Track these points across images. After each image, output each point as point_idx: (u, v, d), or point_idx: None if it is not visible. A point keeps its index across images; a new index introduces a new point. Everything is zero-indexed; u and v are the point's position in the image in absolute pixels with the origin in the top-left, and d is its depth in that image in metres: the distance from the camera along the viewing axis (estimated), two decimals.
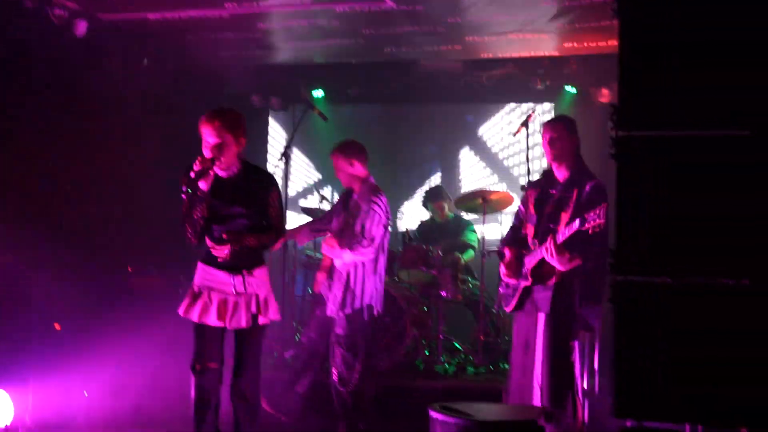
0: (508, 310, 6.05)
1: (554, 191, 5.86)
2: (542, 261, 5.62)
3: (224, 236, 5.20)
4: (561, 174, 5.88)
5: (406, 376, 7.79)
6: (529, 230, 5.94)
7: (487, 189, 8.81)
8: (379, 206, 6.47)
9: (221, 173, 5.26)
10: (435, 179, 11.16)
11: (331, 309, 6.47)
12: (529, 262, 5.77)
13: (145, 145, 8.61)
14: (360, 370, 6.51)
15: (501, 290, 6.15)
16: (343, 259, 6.43)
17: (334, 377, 6.55)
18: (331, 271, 6.58)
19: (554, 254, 5.42)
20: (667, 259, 4.00)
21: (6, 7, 7.11)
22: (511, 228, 6.21)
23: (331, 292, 6.53)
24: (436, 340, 8.13)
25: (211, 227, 5.27)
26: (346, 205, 6.64)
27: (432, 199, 9.34)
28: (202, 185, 5.09)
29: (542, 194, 5.93)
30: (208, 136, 5.16)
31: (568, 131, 5.89)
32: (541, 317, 5.70)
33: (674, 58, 3.98)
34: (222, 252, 5.21)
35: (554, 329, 5.64)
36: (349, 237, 6.40)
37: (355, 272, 6.47)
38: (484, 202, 8.46)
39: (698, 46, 3.95)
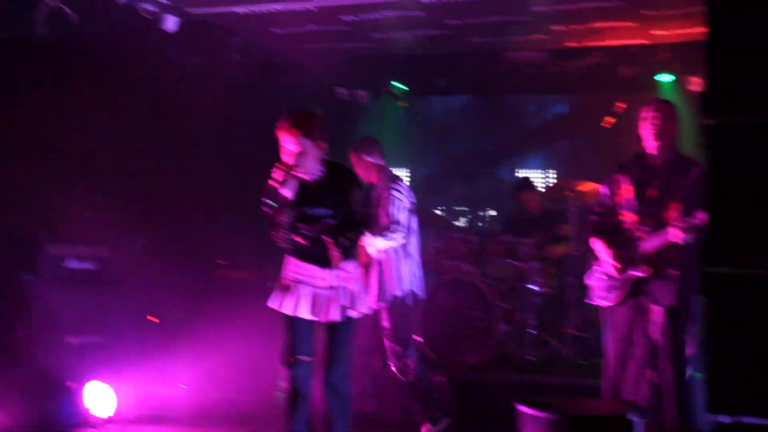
0: (610, 303, 5.74)
1: (654, 176, 5.64)
2: (662, 251, 5.43)
3: (323, 238, 5.25)
4: (658, 158, 5.65)
5: (495, 370, 7.77)
6: (629, 217, 5.68)
7: (575, 180, 8.70)
8: (399, 191, 6.55)
9: (304, 176, 5.27)
10: (521, 170, 11.07)
11: (372, 303, 6.45)
12: (645, 248, 5.52)
13: (235, 140, 8.73)
14: (414, 358, 6.53)
15: (590, 282, 5.89)
16: (377, 247, 6.46)
17: (393, 370, 6.58)
18: (367, 266, 6.59)
19: (680, 235, 5.28)
20: (761, 251, 3.91)
21: (97, 4, 7.28)
22: (597, 216, 5.91)
23: (369, 286, 6.54)
24: (526, 334, 8.08)
25: (298, 228, 5.31)
26: (370, 198, 6.67)
27: (521, 189, 9.28)
28: (286, 193, 5.13)
29: (639, 179, 5.68)
30: (287, 144, 5.19)
31: (672, 115, 5.69)
32: (658, 310, 5.51)
33: (763, 43, 3.89)
34: (337, 261, 5.27)
35: (677, 323, 5.48)
36: (377, 226, 6.45)
37: (387, 261, 6.54)
38: (572, 194, 8.37)
39: None
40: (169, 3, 7.52)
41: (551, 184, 9.04)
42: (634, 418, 4.54)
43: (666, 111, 5.68)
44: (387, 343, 6.57)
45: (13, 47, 7.68)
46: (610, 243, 5.73)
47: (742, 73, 3.99)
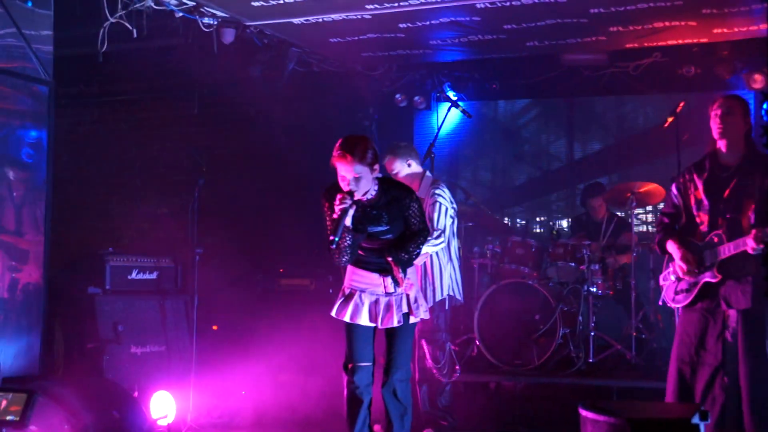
0: (680, 305, 5.66)
1: (727, 176, 5.48)
2: (737, 255, 5.28)
3: (389, 259, 5.32)
4: (730, 157, 5.50)
5: (558, 374, 7.72)
6: (702, 218, 5.54)
7: (636, 182, 8.60)
8: (443, 196, 6.62)
9: (362, 198, 5.29)
10: (582, 174, 10.96)
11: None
12: (719, 255, 5.37)
13: (294, 149, 8.80)
14: (453, 360, 6.57)
15: (662, 282, 5.82)
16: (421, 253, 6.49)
17: (435, 372, 6.61)
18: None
19: (760, 247, 5.09)
20: None
21: (158, 18, 7.41)
22: (667, 217, 5.78)
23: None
24: (588, 337, 8.02)
25: (358, 245, 5.37)
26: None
27: (590, 194, 9.19)
28: (347, 221, 5.18)
29: (712, 179, 5.53)
30: (344, 172, 5.20)
31: (742, 110, 5.50)
32: (733, 314, 5.38)
33: None
34: (402, 284, 5.35)
35: (753, 327, 5.35)
36: None
37: (431, 265, 6.62)
38: (632, 196, 8.28)
39: None
40: (227, 15, 7.62)
41: (611, 187, 8.91)
42: (699, 422, 4.48)
43: (732, 106, 5.50)
44: (427, 346, 6.64)
45: (77, 64, 7.85)
46: (682, 244, 5.59)
47: None
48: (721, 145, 5.52)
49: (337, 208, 5.10)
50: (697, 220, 5.58)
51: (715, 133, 5.52)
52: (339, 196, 5.13)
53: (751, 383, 5.31)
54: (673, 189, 5.79)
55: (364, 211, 5.29)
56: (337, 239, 5.07)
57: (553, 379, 7.53)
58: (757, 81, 8.62)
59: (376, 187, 5.32)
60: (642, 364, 7.89)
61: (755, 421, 5.30)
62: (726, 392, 5.39)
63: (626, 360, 8.01)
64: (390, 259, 5.31)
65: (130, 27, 6.98)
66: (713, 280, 5.41)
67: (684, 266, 5.51)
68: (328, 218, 5.24)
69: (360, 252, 5.39)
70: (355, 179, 5.18)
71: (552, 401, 7.17)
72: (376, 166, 5.29)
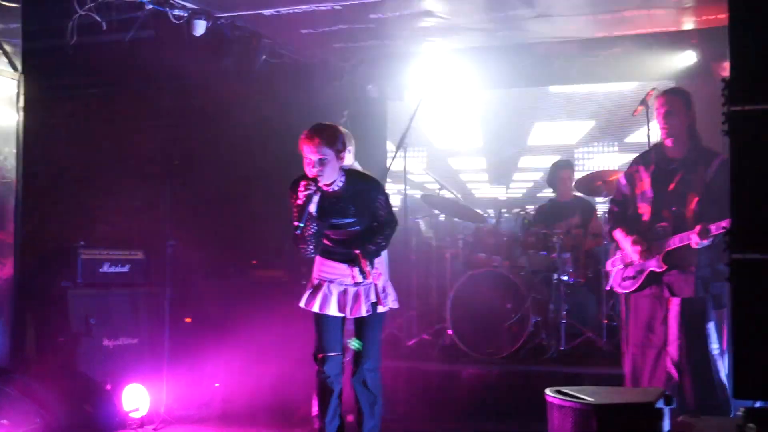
0: (624, 291, 5.92)
1: (672, 168, 5.68)
2: (681, 247, 5.49)
3: (356, 252, 5.32)
4: (676, 150, 5.70)
5: (529, 362, 7.77)
6: (645, 209, 5.78)
7: (606, 170, 8.65)
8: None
9: (327, 189, 5.32)
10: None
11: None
12: (664, 247, 5.59)
13: (266, 141, 8.79)
14: None
15: (610, 268, 6.05)
16: None
17: None
18: None
19: (703, 242, 5.35)
20: None
21: (128, 10, 7.37)
22: (617, 206, 5.99)
23: None
24: (559, 325, 8.07)
25: (326, 235, 5.38)
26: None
27: (561, 166, 9.16)
28: (312, 209, 5.20)
29: (658, 171, 5.74)
30: (310, 154, 5.24)
31: (684, 105, 5.69)
32: (675, 301, 5.61)
33: None
34: (369, 276, 5.35)
35: (696, 313, 5.57)
36: None
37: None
38: (603, 184, 8.33)
39: None
40: (197, 7, 7.59)
41: (581, 176, 8.94)
42: (663, 407, 4.54)
43: (674, 103, 5.70)
44: None
45: (47, 57, 7.80)
46: (630, 231, 5.80)
47: (766, 59, 3.97)
48: (668, 142, 5.71)
49: (301, 195, 5.11)
50: (640, 210, 5.79)
51: (661, 133, 5.72)
52: (303, 183, 5.15)
53: (692, 364, 5.56)
54: (622, 179, 5.99)
55: (331, 203, 5.31)
56: (301, 225, 5.09)
57: (525, 367, 7.57)
58: (725, 69, 8.67)
59: (342, 179, 5.35)
60: (613, 351, 7.95)
61: (696, 399, 5.53)
62: (669, 373, 5.62)
63: (597, 347, 8.07)
64: (358, 251, 5.32)
65: (99, 19, 6.95)
66: (658, 270, 5.63)
67: (638, 248, 5.70)
68: (294, 209, 5.26)
69: (328, 243, 5.41)
70: (320, 161, 5.21)
71: (524, 389, 7.21)
72: (343, 155, 5.32)
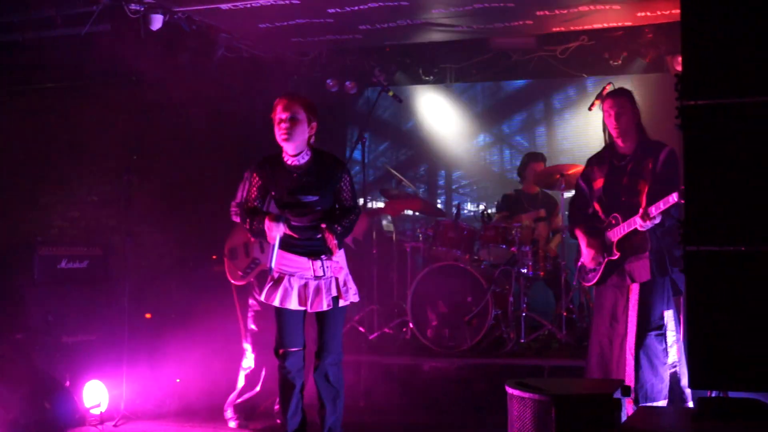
0: (588, 284, 6.17)
1: (623, 163, 5.93)
2: (631, 233, 5.73)
3: (323, 226, 5.31)
4: (626, 146, 5.95)
5: (490, 354, 7.82)
6: (602, 204, 5.99)
7: (565, 164, 8.72)
8: None
9: (293, 161, 5.35)
10: (512, 157, 11.08)
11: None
12: (615, 235, 5.85)
13: (225, 136, 8.77)
14: None
15: (579, 264, 6.25)
16: None
17: None
18: None
19: (647, 224, 5.58)
20: (738, 228, 3.95)
21: (84, 5, 7.32)
22: (576, 206, 6.27)
23: None
24: (519, 318, 8.14)
25: (286, 216, 5.37)
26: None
27: (534, 159, 9.21)
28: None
29: (611, 168, 5.98)
30: (282, 112, 5.32)
31: (631, 104, 5.97)
32: (635, 288, 5.79)
33: (738, 24, 3.92)
34: (336, 252, 5.37)
35: (651, 297, 5.75)
36: None
37: None
38: (561, 178, 8.40)
39: (763, 10, 3.88)
40: (153, 1, 7.55)
41: (541, 168, 9.00)
42: (620, 397, 4.60)
43: (623, 104, 5.94)
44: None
45: (1, 51, 7.73)
46: (589, 232, 6.06)
47: (717, 54, 4.03)
48: (619, 140, 5.98)
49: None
50: (597, 206, 6.05)
51: (613, 133, 5.98)
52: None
53: (644, 351, 5.71)
54: (580, 180, 6.24)
55: (293, 179, 5.33)
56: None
57: (486, 360, 7.62)
58: (680, 63, 8.78)
59: (309, 154, 5.40)
60: (572, 343, 8.03)
61: (652, 387, 5.69)
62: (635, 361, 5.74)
63: (557, 339, 8.15)
64: (324, 225, 5.30)
65: (54, 14, 6.90)
66: (613, 258, 5.87)
67: (589, 253, 6.01)
68: (253, 188, 5.30)
69: (289, 232, 5.39)
70: (292, 118, 5.29)
71: (484, 382, 7.27)
72: (314, 125, 5.40)
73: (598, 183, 6.02)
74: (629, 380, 5.65)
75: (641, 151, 5.88)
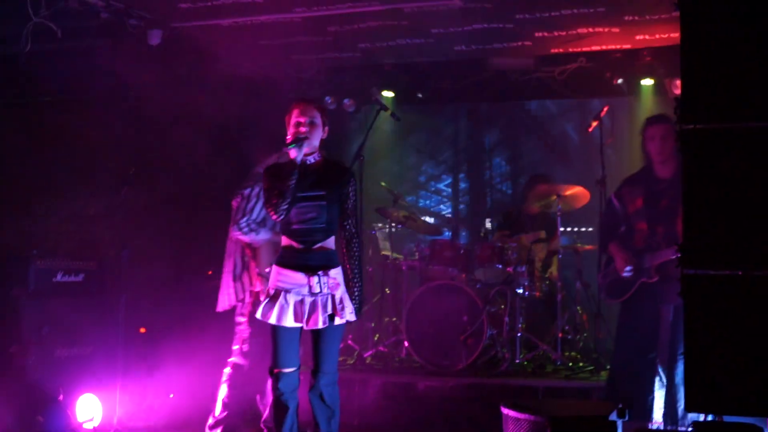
0: (614, 301, 6.30)
1: (663, 188, 6.04)
2: (672, 259, 5.74)
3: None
4: (666, 171, 6.06)
5: (485, 374, 7.81)
6: (641, 226, 6.09)
7: (561, 185, 8.73)
8: None
9: (302, 160, 5.39)
10: (508, 176, 11.10)
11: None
12: (655, 259, 5.95)
13: (221, 152, 8.76)
14: None
15: (603, 281, 6.37)
16: None
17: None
18: None
19: None
20: (737, 252, 3.96)
21: (84, 19, 7.32)
22: (607, 226, 6.40)
23: None
24: (515, 338, 8.13)
25: (289, 214, 5.34)
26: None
27: (540, 180, 9.17)
28: (294, 154, 5.30)
29: (649, 191, 6.09)
30: (299, 116, 5.37)
31: (674, 130, 5.96)
32: (667, 310, 5.88)
33: (738, 49, 3.94)
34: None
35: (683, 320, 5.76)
36: None
37: None
38: (558, 198, 8.41)
39: (762, 36, 3.90)
40: (151, 18, 7.56)
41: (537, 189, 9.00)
42: (617, 419, 4.60)
43: (668, 129, 6.02)
44: None
45: (0, 63, 7.74)
46: (621, 246, 6.18)
47: (717, 79, 4.05)
48: (657, 163, 6.09)
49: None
50: (637, 227, 6.12)
51: (655, 159, 6.08)
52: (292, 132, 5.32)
53: (668, 370, 5.79)
54: (614, 199, 6.35)
55: (305, 171, 5.35)
56: (293, 144, 5.26)
57: (481, 380, 7.61)
58: (679, 86, 8.81)
59: (319, 156, 5.49)
60: (567, 364, 8.02)
61: (669, 405, 5.76)
62: (662, 380, 5.84)
63: (552, 360, 8.14)
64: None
65: (54, 27, 6.90)
66: (650, 281, 5.96)
67: (627, 261, 6.07)
68: (271, 194, 5.29)
69: (287, 240, 5.38)
70: (311, 122, 5.37)
71: (479, 401, 7.24)
72: (327, 131, 5.50)
73: (636, 205, 6.12)
74: (658, 402, 5.68)
75: (680, 175, 5.94)
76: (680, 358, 5.72)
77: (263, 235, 6.57)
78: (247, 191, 6.59)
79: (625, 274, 6.07)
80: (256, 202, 6.52)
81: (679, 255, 5.60)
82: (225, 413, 6.58)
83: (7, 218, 8.24)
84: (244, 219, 6.57)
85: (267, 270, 6.52)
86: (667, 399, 5.73)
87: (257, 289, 6.58)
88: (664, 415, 5.69)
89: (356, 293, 5.47)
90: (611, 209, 6.35)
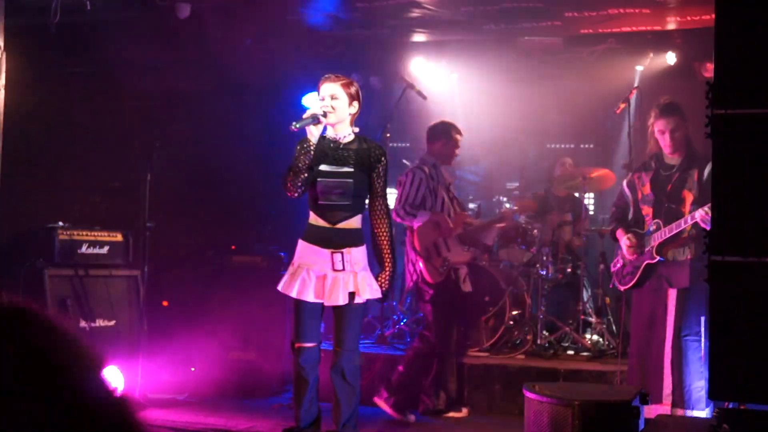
0: (624, 288, 6.24)
1: (670, 173, 6.03)
2: (671, 238, 5.82)
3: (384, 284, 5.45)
4: (674, 158, 6.05)
5: (505, 355, 7.79)
6: (647, 211, 6.08)
7: (588, 167, 8.67)
8: None
9: (334, 136, 5.37)
10: (536, 157, 11.01)
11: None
12: (655, 239, 5.93)
13: (248, 126, 8.76)
14: None
15: (614, 268, 6.36)
16: None
17: None
18: None
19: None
20: (764, 239, 3.92)
21: None
22: (617, 209, 6.37)
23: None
24: (536, 319, 8.10)
25: (316, 189, 5.33)
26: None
27: (564, 162, 9.15)
28: (309, 132, 5.23)
29: (657, 176, 6.07)
30: (325, 91, 5.33)
31: (682, 120, 6.04)
32: (673, 293, 5.87)
33: None
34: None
35: (689, 303, 5.81)
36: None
37: None
38: (584, 181, 8.36)
39: None
40: None
41: (565, 171, 8.95)
42: (639, 404, 4.57)
43: (675, 121, 6.00)
44: None
45: (30, 34, 7.75)
46: (627, 231, 6.15)
47: (750, 63, 3.99)
48: (667, 152, 6.07)
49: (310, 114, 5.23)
50: (643, 212, 6.14)
51: (666, 150, 6.05)
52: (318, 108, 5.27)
53: (675, 354, 5.79)
54: (625, 186, 6.37)
55: (332, 149, 5.34)
56: (297, 126, 5.16)
57: (502, 361, 7.59)
58: (709, 70, 8.73)
59: (352, 134, 5.45)
60: (589, 347, 7.99)
61: (676, 393, 5.76)
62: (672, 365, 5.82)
63: (574, 343, 8.11)
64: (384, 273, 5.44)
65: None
66: (652, 261, 5.94)
67: (628, 243, 6.07)
68: (288, 171, 5.27)
69: (314, 217, 5.37)
70: (332, 97, 5.31)
71: (500, 382, 7.24)
72: (355, 103, 5.40)
73: (645, 189, 6.12)
74: (667, 386, 5.69)
75: (688, 161, 5.99)
76: (685, 340, 5.74)
77: (421, 217, 6.96)
78: (402, 177, 7.06)
79: (629, 258, 6.07)
80: (410, 188, 6.96)
81: (679, 233, 5.72)
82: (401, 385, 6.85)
83: (33, 190, 8.28)
84: (400, 204, 6.96)
85: (426, 250, 7.02)
86: (674, 381, 5.75)
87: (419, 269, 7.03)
88: (673, 399, 5.70)
89: (388, 273, 5.45)
90: (622, 197, 6.37)
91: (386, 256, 5.47)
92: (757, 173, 3.93)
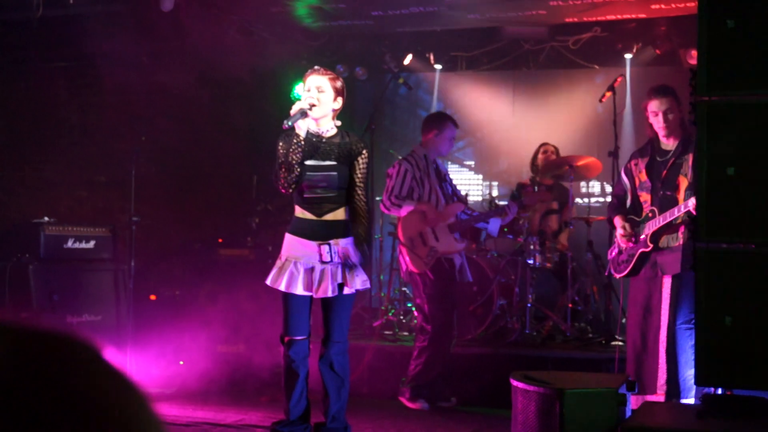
0: (619, 275, 6.26)
1: (665, 159, 6.00)
2: (665, 226, 5.80)
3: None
4: (670, 143, 6.02)
5: (494, 344, 7.80)
6: (645, 197, 6.07)
7: (574, 155, 8.68)
8: None
9: (316, 130, 5.36)
10: (522, 146, 11.01)
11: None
12: (650, 227, 5.91)
13: (234, 119, 8.75)
14: None
15: (611, 256, 6.34)
16: None
17: None
18: None
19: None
20: (749, 226, 3.93)
21: None
22: (616, 198, 6.37)
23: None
24: (524, 308, 8.12)
25: (302, 184, 5.33)
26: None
27: (549, 150, 9.13)
28: (298, 127, 5.23)
29: (652, 162, 6.06)
30: (311, 83, 5.33)
31: (677, 101, 6.01)
32: (667, 280, 5.85)
33: (755, 20, 3.89)
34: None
35: (683, 291, 5.76)
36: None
37: None
38: (570, 169, 8.37)
39: None
40: None
41: (551, 160, 8.95)
42: (626, 392, 4.59)
43: (669, 102, 5.96)
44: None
45: (15, 29, 7.72)
46: (623, 219, 6.14)
47: (733, 50, 4.00)
48: (662, 136, 6.03)
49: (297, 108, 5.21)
50: (641, 199, 6.12)
51: (660, 132, 6.01)
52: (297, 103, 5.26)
53: (669, 341, 5.79)
54: (622, 173, 6.33)
55: (314, 144, 5.34)
56: (290, 123, 5.16)
57: (490, 350, 7.60)
58: (694, 57, 8.74)
59: (335, 128, 5.44)
60: (577, 335, 8.02)
61: (671, 383, 5.74)
62: (667, 355, 5.81)
63: (562, 331, 8.13)
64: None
65: None
66: (646, 249, 5.92)
67: (622, 232, 6.06)
68: (279, 167, 5.25)
69: (298, 208, 5.38)
70: (318, 91, 5.30)
71: (488, 371, 7.25)
72: (339, 99, 5.40)
73: (641, 176, 6.10)
74: (662, 376, 5.70)
75: (683, 146, 5.94)
76: (679, 328, 5.73)
77: (406, 208, 6.95)
78: (391, 169, 7.07)
79: (623, 246, 6.08)
80: (396, 179, 6.98)
81: (673, 221, 5.71)
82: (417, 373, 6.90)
83: (18, 185, 8.25)
84: (386, 196, 6.98)
85: (410, 240, 7.02)
86: (668, 370, 5.76)
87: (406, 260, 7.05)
88: (667, 387, 5.71)
89: (360, 261, 5.45)
90: (620, 184, 6.36)
91: (358, 244, 5.47)
92: (741, 159, 3.94)
